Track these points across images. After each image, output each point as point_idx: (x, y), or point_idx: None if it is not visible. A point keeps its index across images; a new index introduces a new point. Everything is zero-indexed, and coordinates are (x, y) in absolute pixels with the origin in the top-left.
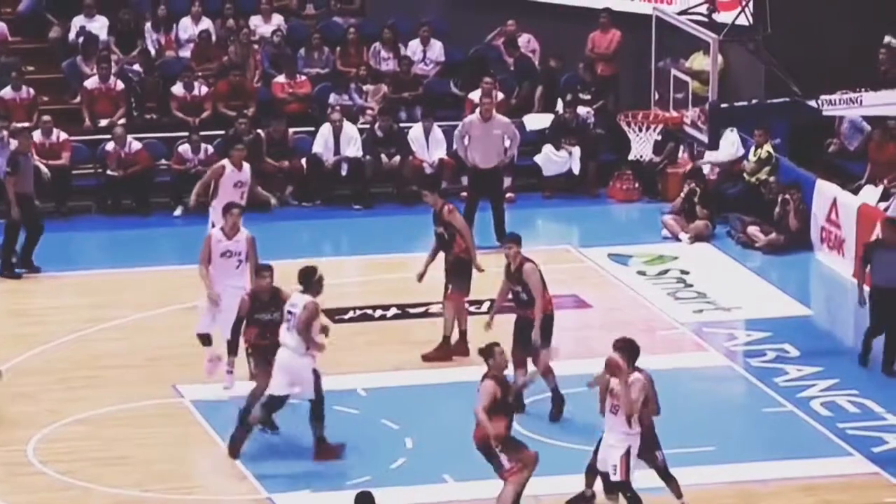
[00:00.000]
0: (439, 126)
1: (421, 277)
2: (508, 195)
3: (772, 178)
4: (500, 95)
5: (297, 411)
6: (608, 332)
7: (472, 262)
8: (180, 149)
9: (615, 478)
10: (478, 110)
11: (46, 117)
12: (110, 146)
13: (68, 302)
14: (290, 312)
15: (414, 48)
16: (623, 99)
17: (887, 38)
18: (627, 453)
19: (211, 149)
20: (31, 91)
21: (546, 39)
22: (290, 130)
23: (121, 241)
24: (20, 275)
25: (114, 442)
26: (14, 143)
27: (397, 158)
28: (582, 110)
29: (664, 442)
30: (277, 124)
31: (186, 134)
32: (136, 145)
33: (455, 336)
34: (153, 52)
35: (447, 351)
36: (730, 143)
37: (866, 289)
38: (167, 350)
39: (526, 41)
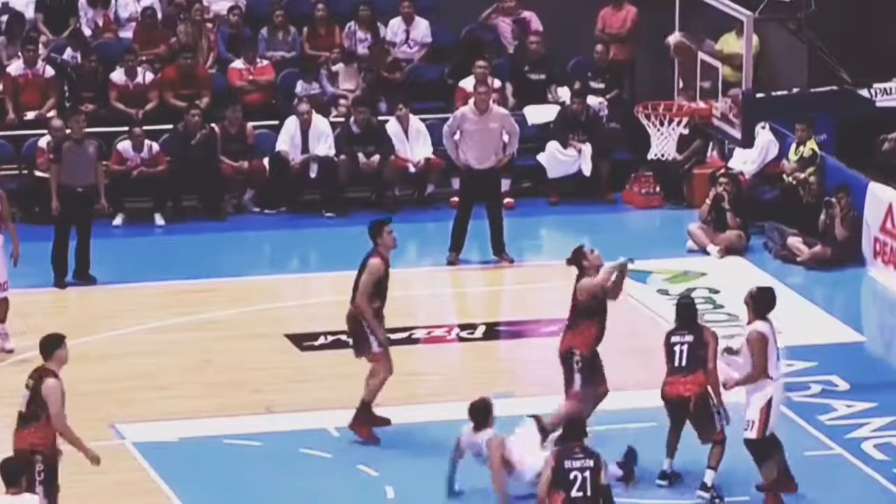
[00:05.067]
0: (424, 119)
1: None
2: (507, 201)
3: (813, 180)
4: (497, 83)
5: (247, 460)
6: (623, 360)
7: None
8: (119, 146)
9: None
10: (471, 101)
11: None
12: (43, 142)
13: None
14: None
15: (395, 28)
16: (641, 88)
17: None
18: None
19: (156, 146)
20: None
21: (549, 17)
22: (250, 124)
23: (49, 255)
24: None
25: None
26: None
27: (376, 158)
28: (593, 101)
29: (689, 491)
30: (233, 113)
31: (128, 129)
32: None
33: None
34: (89, 32)
35: None
36: (757, 148)
37: None
38: (104, 384)
39: (527, 19)
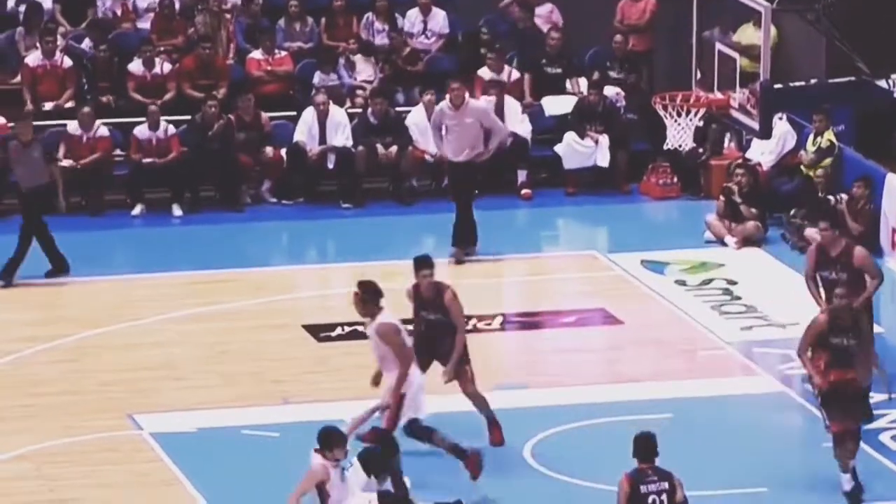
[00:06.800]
0: None
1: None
2: (524, 192)
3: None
4: (515, 74)
5: (265, 451)
6: (641, 352)
7: None
8: (136, 131)
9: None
10: (447, 96)
11: None
12: (72, 128)
13: (2, 318)
14: None
15: (412, 18)
16: (659, 78)
17: None
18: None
19: (172, 128)
20: None
21: (567, 7)
22: (268, 115)
23: (67, 245)
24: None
25: (59, 482)
26: None
27: (394, 149)
28: (610, 91)
29: (706, 482)
30: (244, 102)
31: (145, 119)
32: (103, 131)
33: None
34: (107, 22)
35: None
36: (775, 139)
37: None
38: (121, 374)
39: (548, 11)
